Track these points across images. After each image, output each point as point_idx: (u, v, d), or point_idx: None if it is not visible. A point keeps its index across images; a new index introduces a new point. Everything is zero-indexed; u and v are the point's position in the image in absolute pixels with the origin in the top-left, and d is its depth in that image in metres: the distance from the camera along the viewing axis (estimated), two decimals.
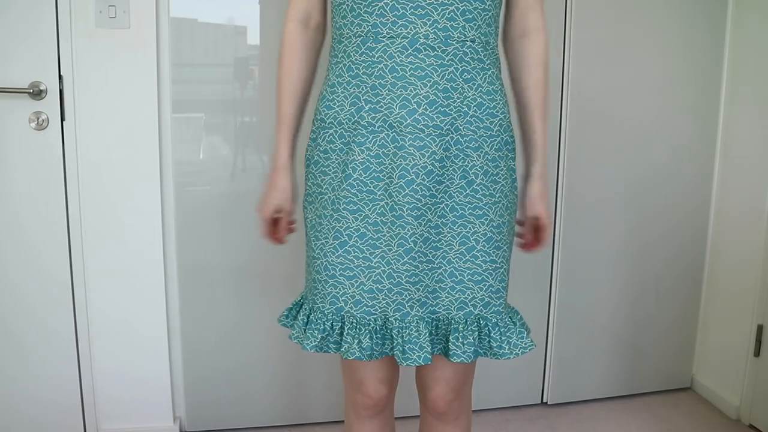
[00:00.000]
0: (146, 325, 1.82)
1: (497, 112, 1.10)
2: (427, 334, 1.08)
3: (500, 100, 1.11)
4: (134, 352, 1.82)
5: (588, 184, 2.01)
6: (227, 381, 1.91)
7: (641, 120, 2.03)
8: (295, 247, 1.87)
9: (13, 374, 1.76)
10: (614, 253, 2.09)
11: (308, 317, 1.14)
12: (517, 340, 1.12)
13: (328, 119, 1.10)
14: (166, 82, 1.73)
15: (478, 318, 1.10)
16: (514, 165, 1.15)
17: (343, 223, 1.08)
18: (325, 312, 1.11)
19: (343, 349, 1.10)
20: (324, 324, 1.11)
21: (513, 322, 1.14)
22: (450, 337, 1.09)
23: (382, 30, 1.03)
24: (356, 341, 1.09)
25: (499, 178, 1.11)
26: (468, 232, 1.08)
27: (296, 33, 1.14)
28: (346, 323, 1.10)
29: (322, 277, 1.11)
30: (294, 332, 1.18)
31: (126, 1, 1.64)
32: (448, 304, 1.10)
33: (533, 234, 1.20)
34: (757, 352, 1.98)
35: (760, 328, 1.97)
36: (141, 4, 1.65)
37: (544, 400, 2.14)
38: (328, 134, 1.10)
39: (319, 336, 1.11)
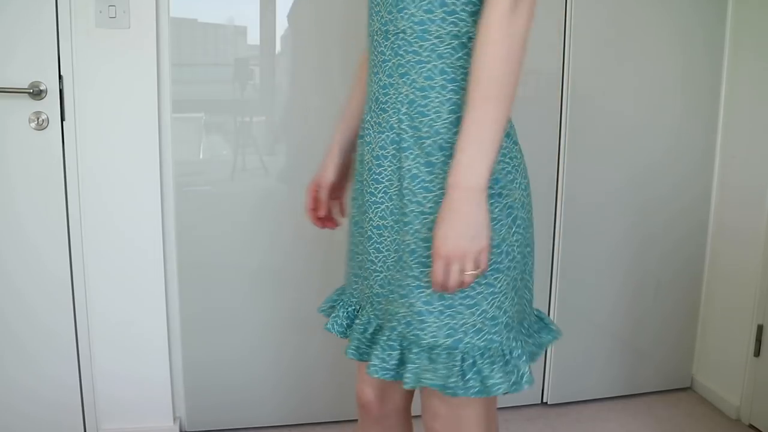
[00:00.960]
0: (146, 326, 1.82)
1: (428, 111, 0.99)
2: None
3: (434, 96, 0.98)
4: (134, 353, 1.82)
5: (587, 184, 2.01)
6: (227, 381, 1.91)
7: (641, 119, 2.03)
8: (294, 247, 1.87)
9: (14, 375, 1.76)
10: (614, 253, 2.09)
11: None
12: None
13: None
14: (166, 82, 1.73)
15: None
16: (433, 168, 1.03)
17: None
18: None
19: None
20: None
21: None
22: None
23: (368, 24, 1.09)
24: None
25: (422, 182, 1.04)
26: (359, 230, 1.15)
27: None
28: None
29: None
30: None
31: (126, 1, 1.64)
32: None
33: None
34: (757, 352, 1.98)
35: (760, 328, 1.97)
36: (141, 4, 1.65)
37: (544, 400, 2.14)
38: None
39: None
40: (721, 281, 2.14)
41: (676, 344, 2.22)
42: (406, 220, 0.99)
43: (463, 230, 0.90)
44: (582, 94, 1.95)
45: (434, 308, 0.98)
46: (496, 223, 0.97)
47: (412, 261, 0.99)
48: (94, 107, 1.69)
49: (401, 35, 0.98)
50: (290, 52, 1.78)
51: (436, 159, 0.97)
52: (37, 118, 1.66)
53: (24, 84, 1.63)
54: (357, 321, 1.12)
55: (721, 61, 2.08)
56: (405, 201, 0.99)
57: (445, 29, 0.96)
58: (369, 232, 1.06)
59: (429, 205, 0.97)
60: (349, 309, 1.15)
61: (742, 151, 2.05)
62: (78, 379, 1.80)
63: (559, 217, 2.01)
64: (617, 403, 2.15)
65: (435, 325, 0.98)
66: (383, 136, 1.02)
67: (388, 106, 1.01)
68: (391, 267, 1.03)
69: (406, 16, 0.96)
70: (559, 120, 1.97)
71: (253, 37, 1.79)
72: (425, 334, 0.98)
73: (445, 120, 0.97)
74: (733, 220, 2.08)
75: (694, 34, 2.03)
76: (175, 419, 1.90)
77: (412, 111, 0.98)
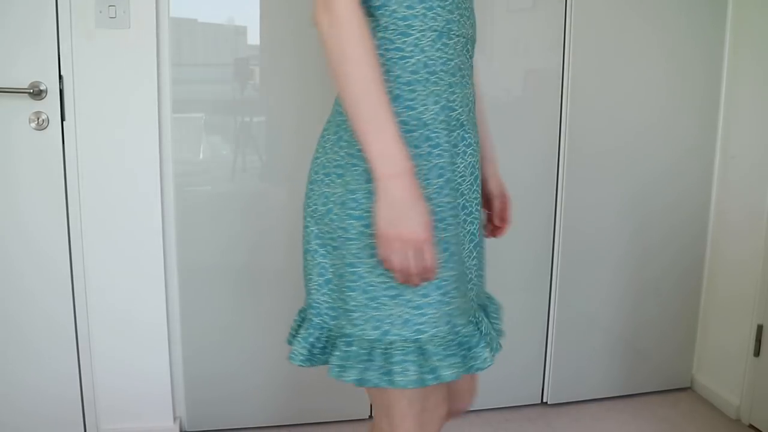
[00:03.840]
0: (146, 326, 1.82)
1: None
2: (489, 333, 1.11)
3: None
4: (134, 353, 1.82)
5: (587, 184, 2.01)
6: (228, 381, 1.91)
7: (641, 121, 2.03)
8: (294, 247, 1.87)
9: (15, 372, 1.76)
10: (614, 253, 2.09)
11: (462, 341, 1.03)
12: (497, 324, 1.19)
13: (411, 121, 0.98)
14: (166, 82, 1.73)
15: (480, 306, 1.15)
16: None
17: (448, 231, 1.00)
18: (446, 335, 1.01)
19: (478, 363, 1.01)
20: (449, 345, 1.01)
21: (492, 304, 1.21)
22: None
23: (453, 27, 1.01)
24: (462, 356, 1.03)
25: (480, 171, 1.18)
26: (474, 228, 1.10)
27: (361, 12, 0.92)
28: (459, 339, 1.03)
29: (438, 298, 0.99)
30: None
31: (126, 1, 1.64)
32: (474, 297, 1.11)
33: (498, 216, 1.23)
34: (757, 352, 1.98)
35: (760, 328, 1.97)
36: (141, 4, 1.65)
37: (544, 400, 2.14)
38: (412, 138, 0.98)
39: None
40: (721, 281, 2.14)
41: (676, 344, 2.22)
42: (478, 208, 1.11)
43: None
44: (582, 95, 1.95)
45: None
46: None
47: (483, 241, 1.15)
48: (94, 107, 1.69)
49: (474, 43, 1.09)
50: (290, 52, 1.78)
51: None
52: (38, 118, 1.66)
53: (24, 84, 1.63)
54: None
55: (722, 63, 2.08)
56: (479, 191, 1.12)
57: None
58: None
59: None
60: None
61: (742, 152, 2.05)
62: (78, 379, 1.80)
63: (559, 217, 2.01)
64: (617, 403, 2.16)
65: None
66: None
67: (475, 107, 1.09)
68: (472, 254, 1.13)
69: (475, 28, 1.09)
70: (558, 121, 1.96)
71: (253, 37, 1.79)
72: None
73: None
74: (733, 219, 2.08)
75: (695, 35, 2.03)
76: (175, 419, 1.90)
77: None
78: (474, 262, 1.09)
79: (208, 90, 1.80)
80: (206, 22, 1.76)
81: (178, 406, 1.92)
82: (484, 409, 2.08)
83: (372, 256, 0.97)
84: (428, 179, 0.98)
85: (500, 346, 1.10)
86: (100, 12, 1.64)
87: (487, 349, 1.02)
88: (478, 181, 1.09)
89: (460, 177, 1.03)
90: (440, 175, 0.99)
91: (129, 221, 1.75)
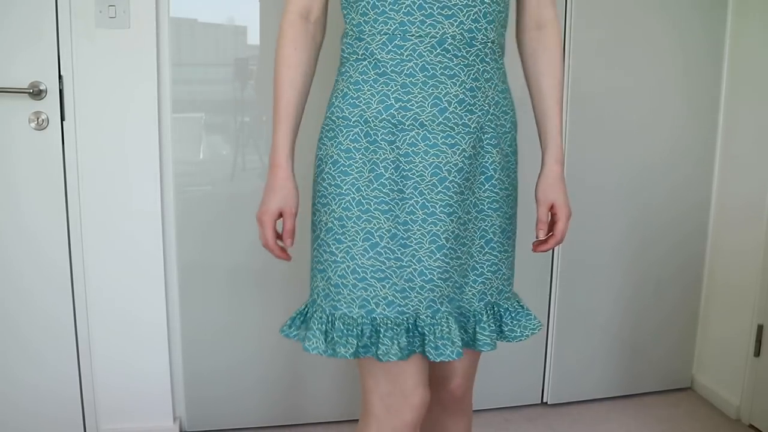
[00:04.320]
0: (146, 325, 1.82)
1: (509, 109, 1.15)
2: (457, 329, 1.09)
3: (510, 98, 1.16)
4: (134, 353, 1.82)
5: (587, 185, 2.01)
6: (227, 380, 1.91)
7: (641, 120, 2.03)
8: (293, 247, 1.87)
9: (15, 372, 1.76)
10: (614, 253, 2.09)
11: (331, 324, 1.09)
12: (526, 322, 1.17)
13: (353, 117, 1.07)
14: (166, 82, 1.73)
15: (493, 305, 1.15)
16: (517, 158, 1.20)
17: (374, 224, 1.06)
18: (355, 316, 1.07)
19: (380, 352, 1.05)
20: (355, 329, 1.07)
21: (521, 305, 1.19)
22: (477, 328, 1.13)
23: (410, 28, 1.03)
24: (395, 343, 1.06)
25: (512, 171, 1.16)
26: (486, 225, 1.12)
27: (298, 25, 1.10)
28: (381, 326, 1.07)
29: (348, 281, 1.07)
30: (311, 342, 1.09)
31: (126, 1, 1.64)
32: (470, 297, 1.13)
33: (547, 228, 1.18)
34: (757, 352, 1.98)
35: (760, 328, 1.97)
36: (141, 4, 1.65)
37: (544, 400, 2.14)
38: (352, 133, 1.07)
39: (356, 342, 1.07)
40: (721, 281, 2.14)
41: (676, 344, 2.22)
42: (495, 206, 1.14)
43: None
44: (582, 95, 1.95)
45: (510, 270, 1.20)
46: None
47: (503, 238, 1.19)
48: (94, 107, 1.69)
49: (489, 44, 1.09)
50: None
51: (513, 149, 1.19)
52: (37, 118, 1.66)
53: (24, 84, 1.63)
54: (429, 330, 1.12)
55: (721, 62, 2.08)
56: (496, 190, 1.16)
57: (505, 39, 1.16)
58: (466, 230, 1.13)
59: (510, 188, 1.18)
60: (403, 327, 1.14)
61: (742, 152, 2.04)
62: (78, 379, 1.80)
63: None
64: (617, 403, 2.16)
65: (512, 283, 1.21)
66: (480, 135, 1.12)
67: (477, 108, 1.09)
68: (476, 252, 1.16)
69: (494, 29, 1.10)
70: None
71: (253, 37, 1.79)
72: (510, 293, 1.21)
73: (515, 117, 1.20)
74: (733, 220, 2.08)
75: (694, 35, 2.03)
76: (175, 419, 1.90)
77: (498, 111, 1.14)
78: (436, 264, 1.07)
79: (208, 90, 1.80)
80: (206, 22, 1.76)
81: (178, 406, 1.92)
82: (484, 409, 2.08)
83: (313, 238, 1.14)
84: (360, 172, 1.07)
85: (458, 353, 1.07)
86: (100, 12, 1.64)
87: (396, 344, 1.06)
88: (455, 183, 1.07)
89: (413, 175, 1.06)
90: (372, 170, 1.06)
91: (129, 221, 1.75)
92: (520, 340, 1.16)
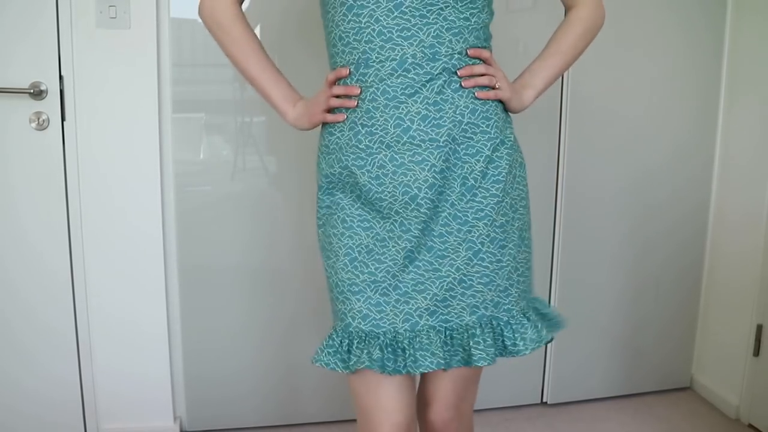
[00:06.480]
0: (147, 326, 1.82)
1: (492, 114, 1.10)
2: (439, 342, 1.08)
3: (493, 102, 1.11)
4: (135, 352, 1.82)
5: (587, 185, 2.02)
6: (228, 381, 1.92)
7: (641, 120, 2.03)
8: (294, 246, 1.88)
9: (15, 374, 1.76)
10: (614, 254, 2.09)
11: (330, 338, 1.13)
12: (531, 334, 1.11)
13: (331, 145, 1.12)
14: (166, 82, 1.74)
15: (491, 319, 1.11)
16: (520, 160, 1.15)
17: (355, 240, 1.10)
18: (337, 329, 1.11)
19: (351, 363, 1.08)
20: (335, 341, 1.11)
21: (526, 317, 1.13)
22: (471, 342, 1.09)
23: (371, 56, 1.05)
24: (365, 352, 1.07)
25: (500, 177, 1.09)
26: (473, 236, 1.08)
27: (231, 3, 1.26)
28: (355, 338, 1.09)
29: (334, 296, 1.13)
30: (317, 355, 1.14)
31: (126, 1, 1.65)
32: (460, 311, 1.10)
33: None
34: (757, 352, 1.98)
35: (759, 328, 1.97)
36: (141, 4, 1.66)
37: (544, 400, 2.14)
38: (330, 159, 1.13)
39: (337, 355, 1.10)
40: (721, 281, 2.14)
41: (675, 344, 2.22)
42: (480, 215, 1.11)
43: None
44: (582, 95, 1.95)
45: (509, 281, 1.15)
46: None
47: (493, 248, 1.14)
48: (94, 107, 1.69)
49: (456, 55, 1.10)
50: (290, 51, 1.78)
51: (501, 153, 1.14)
52: (38, 118, 1.66)
53: (24, 84, 1.63)
54: (408, 343, 1.13)
55: (721, 62, 2.08)
56: (478, 199, 1.13)
57: (487, 45, 1.17)
58: (444, 243, 1.13)
59: (500, 194, 1.12)
60: (379, 341, 1.16)
61: (741, 153, 2.05)
62: (78, 379, 1.80)
63: (559, 218, 2.01)
64: (617, 403, 2.16)
65: (513, 294, 1.16)
66: (454, 147, 1.12)
67: (444, 121, 1.10)
68: (463, 265, 1.14)
69: (461, 40, 1.11)
70: (559, 121, 1.97)
71: None
72: (510, 305, 1.16)
73: (503, 120, 1.18)
74: (733, 221, 2.08)
75: (694, 35, 2.03)
76: (175, 419, 1.90)
77: (475, 118, 1.13)
78: (410, 277, 1.08)
79: (208, 90, 1.80)
80: None
81: (179, 406, 1.92)
82: (484, 409, 2.08)
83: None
84: (343, 192, 1.13)
85: (438, 363, 1.07)
86: (101, 12, 1.64)
87: (365, 353, 1.07)
88: (427, 199, 1.06)
89: (386, 196, 1.08)
90: (352, 191, 1.11)
91: (129, 221, 1.76)
92: (525, 354, 1.10)
